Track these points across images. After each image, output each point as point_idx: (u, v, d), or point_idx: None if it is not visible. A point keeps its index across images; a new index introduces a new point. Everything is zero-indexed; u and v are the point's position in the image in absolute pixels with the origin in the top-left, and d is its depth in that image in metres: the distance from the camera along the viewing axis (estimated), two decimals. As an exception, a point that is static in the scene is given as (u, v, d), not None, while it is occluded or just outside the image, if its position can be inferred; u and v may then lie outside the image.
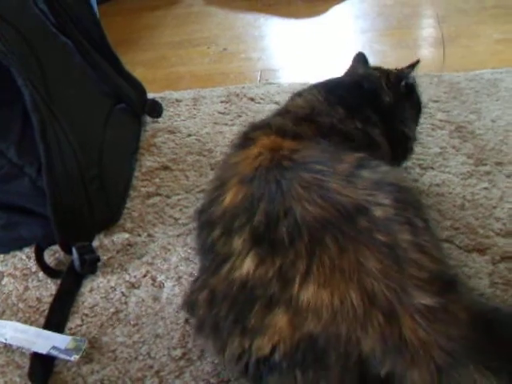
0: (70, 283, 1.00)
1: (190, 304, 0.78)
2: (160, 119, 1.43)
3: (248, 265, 0.64)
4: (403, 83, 1.04)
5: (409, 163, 1.16)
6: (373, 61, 1.69)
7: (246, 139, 0.84)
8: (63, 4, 1.10)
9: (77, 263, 0.99)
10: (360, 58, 1.15)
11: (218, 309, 0.67)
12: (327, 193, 0.66)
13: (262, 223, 0.66)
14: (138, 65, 1.82)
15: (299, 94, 1.00)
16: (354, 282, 0.59)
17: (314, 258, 0.61)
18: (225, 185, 0.74)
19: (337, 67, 1.61)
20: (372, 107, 0.98)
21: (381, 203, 0.66)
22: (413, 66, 1.08)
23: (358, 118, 0.93)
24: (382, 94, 1.01)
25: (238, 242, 0.67)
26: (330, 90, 0.99)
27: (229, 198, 0.71)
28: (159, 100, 1.50)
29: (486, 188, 1.10)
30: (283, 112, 0.95)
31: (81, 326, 0.93)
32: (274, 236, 0.64)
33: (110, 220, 1.12)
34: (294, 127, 0.85)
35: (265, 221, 0.66)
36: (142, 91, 1.36)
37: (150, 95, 1.53)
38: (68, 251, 1.02)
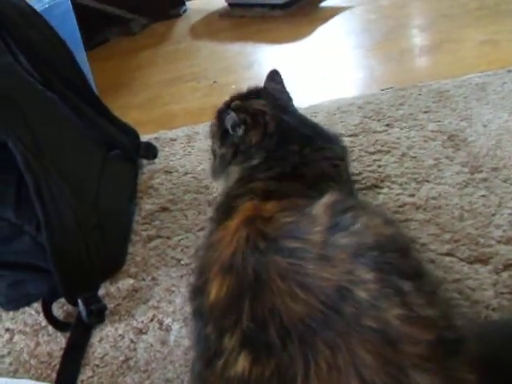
0: (78, 335, 1.00)
1: None
2: (156, 160, 1.44)
3: (242, 364, 0.63)
4: None
5: (403, 178, 1.16)
6: (362, 76, 1.72)
7: (229, 208, 0.84)
8: (46, 61, 1.12)
9: (84, 314, 1.00)
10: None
11: None
12: (306, 281, 0.65)
13: (251, 327, 0.65)
14: (131, 108, 1.86)
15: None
16: (353, 376, 0.57)
17: (310, 363, 0.59)
18: (208, 271, 0.73)
19: (328, 87, 1.64)
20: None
21: (363, 280, 0.64)
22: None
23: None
24: None
25: (229, 342, 0.66)
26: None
27: (214, 292, 0.70)
28: (154, 141, 1.53)
29: (483, 195, 1.09)
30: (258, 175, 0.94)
31: (92, 377, 0.93)
32: (266, 338, 0.63)
33: (113, 267, 1.13)
34: (279, 185, 0.86)
35: (253, 325, 0.65)
36: (134, 135, 1.38)
37: (145, 137, 1.56)
38: (74, 303, 1.03)
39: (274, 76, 1.17)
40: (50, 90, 1.13)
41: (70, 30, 1.69)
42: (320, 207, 0.74)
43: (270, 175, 0.90)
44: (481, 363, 0.60)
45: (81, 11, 2.31)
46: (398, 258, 0.70)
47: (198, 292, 0.76)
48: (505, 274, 0.93)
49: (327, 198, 0.75)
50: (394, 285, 0.64)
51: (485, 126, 1.29)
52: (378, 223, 0.74)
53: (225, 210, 0.86)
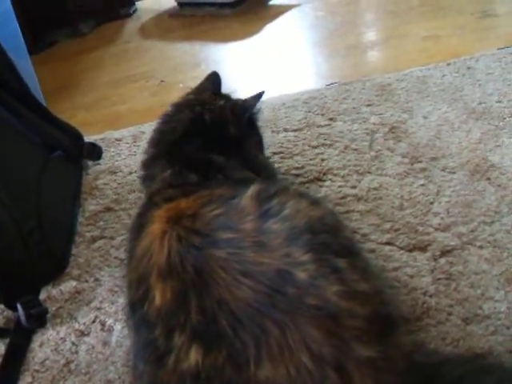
0: (18, 341, 0.98)
1: None
2: (101, 161, 1.42)
3: (194, 356, 0.63)
4: (247, 115, 1.04)
5: (345, 171, 1.18)
6: (309, 72, 1.74)
7: (139, 226, 0.83)
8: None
9: (23, 319, 0.97)
10: (213, 79, 1.15)
11: None
12: (248, 268, 0.66)
13: (200, 321, 0.65)
14: (79, 109, 1.83)
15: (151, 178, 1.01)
16: (303, 351, 0.60)
17: (262, 344, 0.61)
18: (147, 280, 0.72)
19: (275, 85, 1.64)
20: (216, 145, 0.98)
21: (301, 262, 0.66)
22: (258, 97, 1.07)
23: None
24: (228, 126, 1.01)
25: (178, 339, 0.66)
26: (167, 158, 0.99)
27: (158, 298, 0.69)
28: (100, 141, 1.50)
29: (422, 185, 1.12)
30: (155, 192, 0.94)
31: (32, 383, 0.91)
32: (217, 329, 0.64)
33: (56, 270, 1.10)
34: (177, 190, 0.86)
35: (203, 319, 0.65)
36: (76, 136, 1.35)
37: (92, 138, 1.53)
38: (14, 308, 1.00)
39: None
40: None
41: (10, 33, 1.64)
42: (246, 198, 0.75)
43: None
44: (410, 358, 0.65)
45: (26, 13, 2.29)
46: (330, 238, 0.73)
47: (137, 305, 0.74)
48: (442, 260, 0.95)
49: (251, 190, 0.77)
50: (330, 263, 0.67)
51: (425, 117, 1.32)
52: (305, 206, 0.76)
53: (138, 226, 0.85)
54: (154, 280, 0.71)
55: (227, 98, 1.09)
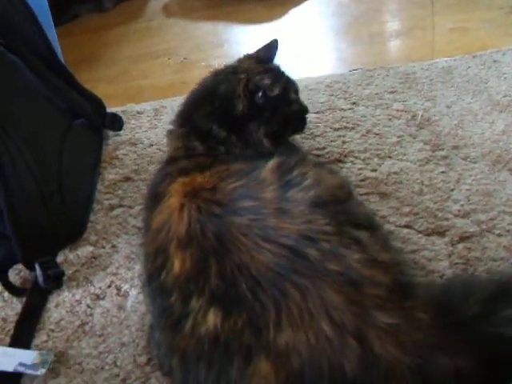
0: (35, 300, 0.99)
1: (165, 370, 0.77)
2: (122, 132, 1.42)
3: (213, 319, 0.64)
4: (259, 94, 0.97)
5: (366, 154, 1.18)
6: (332, 57, 1.73)
7: (155, 196, 0.84)
8: (8, 23, 1.10)
9: (40, 279, 0.99)
10: (268, 47, 1.12)
11: (196, 372, 0.66)
12: (269, 233, 0.67)
13: (220, 286, 0.66)
14: (100, 81, 1.83)
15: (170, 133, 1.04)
16: (324, 317, 0.61)
17: (282, 308, 0.62)
18: (166, 251, 0.73)
19: (297, 69, 1.64)
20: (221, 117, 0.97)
21: (323, 231, 0.67)
22: (277, 78, 1.01)
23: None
24: (235, 100, 0.98)
25: (196, 303, 0.66)
26: (182, 119, 1.02)
27: (177, 265, 0.70)
28: (121, 114, 1.50)
29: (443, 172, 1.12)
30: (170, 160, 0.96)
31: (47, 341, 0.93)
32: (236, 294, 0.64)
33: (74, 234, 1.11)
34: (191, 162, 0.87)
35: (222, 283, 0.66)
36: (99, 105, 1.36)
37: (112, 110, 1.54)
38: (32, 268, 1.02)
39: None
40: (11, 52, 1.11)
41: (38, 3, 1.64)
42: (267, 171, 0.76)
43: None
44: (434, 307, 0.66)
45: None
46: (350, 207, 0.75)
47: (154, 275, 0.76)
48: (460, 246, 0.96)
49: (271, 163, 0.78)
50: (351, 235, 0.68)
51: (448, 107, 1.31)
52: (325, 175, 0.77)
53: (153, 196, 0.86)
54: (174, 250, 0.72)
55: (265, 70, 1.03)
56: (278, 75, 1.05)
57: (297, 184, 0.74)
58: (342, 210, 0.73)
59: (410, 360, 0.60)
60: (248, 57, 1.10)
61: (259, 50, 1.11)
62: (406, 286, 0.68)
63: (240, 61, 1.09)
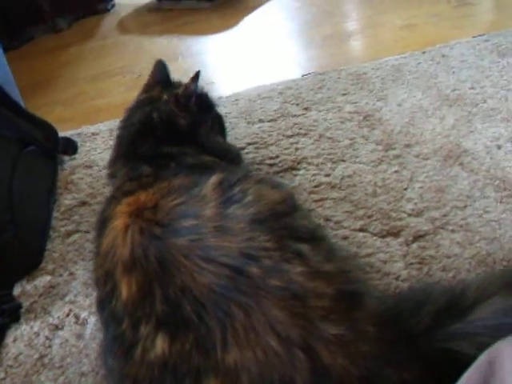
0: (-9, 337, 0.97)
1: None
2: (77, 155, 1.41)
3: (160, 344, 0.63)
4: (192, 102, 1.01)
5: (319, 159, 1.18)
6: (286, 63, 1.73)
7: (103, 221, 0.83)
8: None
9: (-4, 315, 0.97)
10: (159, 69, 1.14)
11: None
12: (209, 253, 0.66)
13: (165, 310, 0.65)
14: (56, 104, 1.81)
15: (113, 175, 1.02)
16: (269, 333, 0.60)
17: (227, 328, 0.61)
18: (113, 276, 0.72)
19: (251, 78, 1.64)
20: (168, 138, 0.98)
21: (264, 247, 0.67)
22: (195, 78, 1.04)
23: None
24: (176, 119, 1.00)
25: (144, 329, 0.66)
26: (123, 162, 0.99)
27: (125, 292, 0.69)
28: (76, 136, 1.50)
29: (396, 171, 1.12)
30: (115, 189, 0.95)
31: (4, 378, 0.90)
32: (181, 317, 0.64)
33: (30, 265, 1.09)
34: (134, 184, 0.86)
35: (167, 307, 0.65)
36: (51, 131, 1.34)
37: (68, 133, 1.53)
38: (-15, 304, 1.00)
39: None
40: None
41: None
42: (208, 187, 0.76)
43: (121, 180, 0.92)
44: (383, 320, 0.66)
45: (1, 10, 2.27)
46: (292, 220, 0.74)
47: (105, 301, 0.74)
48: (414, 246, 0.96)
49: (214, 179, 0.77)
50: (293, 249, 0.68)
51: (399, 105, 1.32)
52: (267, 191, 0.77)
53: (101, 222, 0.84)
54: (120, 275, 0.71)
55: (173, 88, 1.06)
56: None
57: (237, 201, 0.73)
58: (283, 224, 0.72)
59: (358, 372, 0.60)
60: (151, 85, 1.12)
61: (156, 76, 1.14)
62: (352, 295, 0.68)
63: (147, 91, 1.11)
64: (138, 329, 0.66)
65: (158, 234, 0.70)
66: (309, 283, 0.64)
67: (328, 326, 0.61)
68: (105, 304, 0.75)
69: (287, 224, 0.73)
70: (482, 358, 0.49)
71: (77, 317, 0.98)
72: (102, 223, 0.83)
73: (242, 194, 0.74)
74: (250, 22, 2.11)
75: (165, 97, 1.02)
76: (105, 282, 0.75)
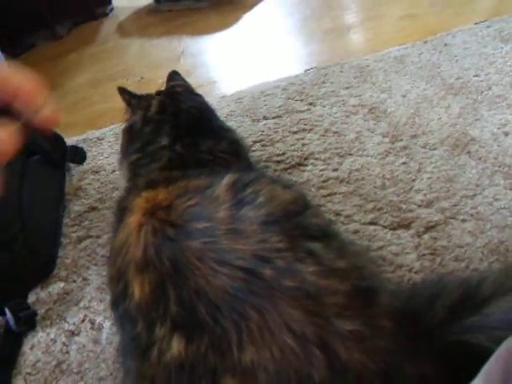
0: (8, 345, 0.98)
1: None
2: (84, 162, 1.41)
3: (176, 346, 0.64)
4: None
5: (326, 154, 1.17)
6: (287, 58, 1.73)
7: (121, 210, 0.83)
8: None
9: (11, 322, 0.98)
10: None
11: None
12: (223, 256, 0.66)
13: (180, 312, 0.66)
14: (60, 111, 1.80)
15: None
16: (285, 332, 0.61)
17: (242, 329, 0.62)
18: (125, 274, 0.72)
19: (253, 75, 1.64)
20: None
21: (277, 248, 0.67)
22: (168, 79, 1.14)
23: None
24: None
25: (160, 331, 0.66)
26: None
27: (137, 292, 0.70)
28: (81, 142, 1.50)
29: (404, 163, 1.12)
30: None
31: (24, 386, 0.91)
32: (196, 319, 0.64)
33: (43, 273, 1.10)
34: (162, 173, 0.87)
35: (182, 310, 0.66)
36: (58, 140, 1.34)
37: (73, 139, 1.53)
38: (1, 312, 1.00)
39: (173, 76, 1.21)
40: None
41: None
42: (221, 188, 0.76)
43: (150, 169, 0.92)
44: (398, 315, 0.66)
45: (1, 18, 2.27)
46: (303, 219, 0.74)
47: (119, 299, 0.75)
48: (426, 236, 0.96)
49: (226, 180, 0.77)
50: (305, 248, 0.68)
51: (404, 96, 1.31)
52: (278, 191, 0.77)
53: (120, 210, 0.85)
54: (132, 274, 0.71)
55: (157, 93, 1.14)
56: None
57: (249, 202, 0.73)
58: (295, 224, 0.72)
59: (376, 366, 0.60)
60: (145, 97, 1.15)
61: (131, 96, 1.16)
62: (367, 291, 0.68)
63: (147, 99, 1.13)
64: (154, 330, 0.67)
65: (171, 236, 0.71)
66: (322, 281, 0.64)
67: (343, 322, 0.61)
68: (118, 303, 0.76)
69: (299, 223, 0.73)
70: (501, 351, 0.49)
71: (92, 322, 0.98)
72: (121, 212, 0.83)
73: (255, 195, 0.74)
74: (250, 20, 2.10)
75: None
76: (117, 281, 0.75)
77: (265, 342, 0.61)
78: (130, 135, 1.05)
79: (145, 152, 0.98)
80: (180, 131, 0.99)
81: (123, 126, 1.11)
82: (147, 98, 1.10)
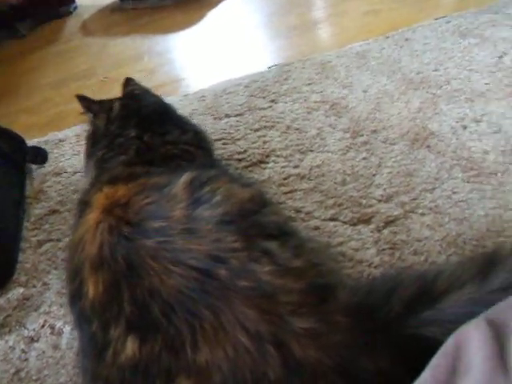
0: (-34, 354, 0.96)
1: None
2: (46, 163, 1.39)
3: (131, 347, 0.63)
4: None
5: (288, 151, 1.17)
6: (252, 55, 1.72)
7: (83, 205, 0.83)
8: None
9: (-31, 332, 0.95)
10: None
11: None
12: (178, 256, 0.66)
13: (134, 312, 0.65)
14: (21, 112, 1.78)
15: None
16: (239, 330, 0.61)
17: (196, 329, 0.61)
18: (80, 271, 0.72)
19: (217, 73, 1.63)
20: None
21: (232, 248, 0.67)
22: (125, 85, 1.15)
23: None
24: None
25: (114, 332, 0.65)
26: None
27: (92, 291, 0.69)
28: (43, 143, 1.47)
29: (364, 158, 1.12)
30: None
31: (-19, 396, 0.89)
32: (150, 319, 0.64)
33: (2, 278, 1.08)
34: (126, 169, 0.86)
35: (136, 310, 0.65)
36: (17, 141, 1.31)
37: (35, 140, 1.50)
38: (-41, 321, 0.98)
39: (129, 82, 1.20)
40: None
41: None
42: (179, 186, 0.75)
43: (115, 163, 0.91)
44: (355, 309, 0.66)
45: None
46: (260, 217, 0.74)
47: (75, 297, 0.74)
48: (385, 231, 0.96)
49: (184, 178, 0.77)
50: (260, 248, 0.68)
51: (365, 91, 1.32)
52: (236, 190, 0.77)
53: (81, 205, 0.84)
54: (87, 273, 0.70)
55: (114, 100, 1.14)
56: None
57: (206, 201, 0.73)
58: (252, 223, 0.72)
59: (332, 362, 0.60)
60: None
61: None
62: (323, 287, 0.68)
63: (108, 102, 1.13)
64: (108, 331, 0.66)
65: (126, 234, 0.70)
66: (277, 281, 0.64)
67: (298, 320, 0.61)
68: (75, 301, 0.75)
69: (255, 222, 0.73)
70: (448, 344, 0.49)
71: (52, 327, 0.97)
72: (82, 207, 0.83)
73: (211, 194, 0.74)
74: (215, 17, 2.10)
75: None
76: (73, 278, 0.74)
77: (219, 342, 0.61)
78: (94, 138, 1.04)
79: (113, 145, 0.97)
80: (146, 123, 0.99)
81: (86, 132, 1.10)
82: (108, 101, 1.10)
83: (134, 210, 0.73)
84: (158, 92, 1.58)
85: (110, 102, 1.09)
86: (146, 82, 1.63)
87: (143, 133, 0.96)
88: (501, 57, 1.33)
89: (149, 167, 0.87)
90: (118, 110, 1.04)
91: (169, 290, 0.64)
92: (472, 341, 0.47)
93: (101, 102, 1.10)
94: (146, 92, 1.14)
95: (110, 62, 1.96)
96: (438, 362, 0.49)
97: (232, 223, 0.70)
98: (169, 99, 1.50)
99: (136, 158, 0.91)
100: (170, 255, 0.66)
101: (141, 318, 0.64)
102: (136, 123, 0.99)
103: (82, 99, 1.13)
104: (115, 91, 1.50)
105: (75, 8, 2.63)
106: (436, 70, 1.33)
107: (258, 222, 0.73)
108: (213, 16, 2.12)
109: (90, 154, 1.03)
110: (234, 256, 0.66)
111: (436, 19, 1.59)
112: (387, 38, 1.53)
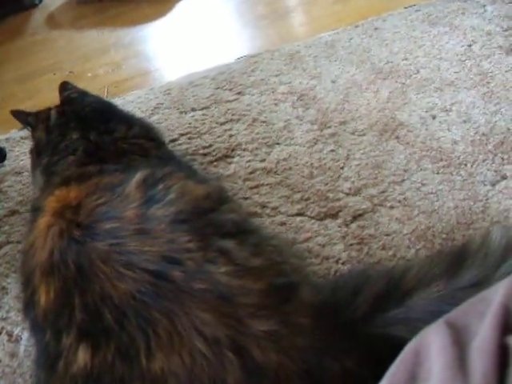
0: None
1: None
2: (6, 162, 1.34)
3: (82, 356, 0.60)
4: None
5: (254, 144, 1.14)
6: (220, 46, 1.68)
7: (35, 210, 0.79)
8: None
9: None
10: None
11: None
12: (130, 258, 0.63)
13: (84, 319, 0.62)
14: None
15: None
16: (195, 336, 0.58)
17: (149, 335, 0.58)
18: (32, 279, 0.68)
19: (184, 65, 1.59)
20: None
21: (187, 249, 0.64)
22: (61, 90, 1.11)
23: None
24: None
25: (66, 340, 0.62)
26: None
27: (43, 299, 0.66)
28: (4, 142, 1.42)
29: (332, 150, 1.10)
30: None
31: None
32: (102, 326, 0.61)
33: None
34: (78, 169, 0.84)
35: (87, 316, 0.62)
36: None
37: (-5, 139, 1.45)
38: None
39: (65, 86, 1.14)
40: None
41: None
42: (132, 185, 0.72)
43: (66, 165, 0.88)
44: (319, 309, 0.64)
45: None
46: (216, 215, 0.71)
47: (29, 305, 0.71)
48: (353, 225, 0.94)
49: (138, 176, 0.74)
50: (217, 247, 0.65)
51: (333, 81, 1.29)
52: (191, 187, 0.74)
53: (33, 210, 0.81)
54: (38, 280, 0.67)
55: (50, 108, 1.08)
56: None
57: (159, 200, 0.70)
58: (207, 221, 0.69)
59: (295, 366, 0.58)
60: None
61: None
62: (284, 287, 0.65)
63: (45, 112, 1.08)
64: (61, 340, 0.63)
65: (77, 237, 0.67)
66: (235, 282, 0.62)
67: (257, 322, 0.59)
68: (29, 310, 0.71)
69: (212, 220, 0.70)
70: (407, 350, 0.47)
71: (10, 334, 0.93)
72: (34, 212, 0.79)
73: (165, 192, 0.71)
74: (183, 8, 2.05)
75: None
76: (26, 286, 0.71)
77: (174, 348, 0.58)
78: (38, 151, 1.00)
79: (57, 150, 0.93)
80: (88, 122, 0.96)
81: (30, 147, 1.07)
82: (44, 111, 1.06)
83: (85, 212, 0.70)
84: (126, 85, 1.55)
85: (47, 111, 1.05)
86: (113, 75, 1.60)
87: (87, 133, 0.93)
88: (470, 45, 1.31)
89: (101, 165, 0.83)
90: (56, 118, 1.00)
91: (121, 294, 0.61)
92: (432, 346, 0.45)
93: (37, 114, 1.06)
94: (83, 94, 1.10)
95: (77, 55, 1.90)
96: (396, 370, 0.46)
97: (186, 222, 0.67)
98: (133, 93, 1.47)
99: (86, 158, 0.87)
100: (122, 258, 0.63)
101: (92, 326, 0.61)
102: (76, 126, 0.96)
103: (18, 114, 1.09)
104: (81, 86, 1.46)
105: (41, 0, 2.55)
106: (405, 59, 1.31)
107: (214, 220, 0.70)
108: (181, 7, 2.07)
109: (35, 166, 0.99)
110: (189, 257, 0.63)
111: (406, 8, 1.56)
112: (356, 27, 1.50)
